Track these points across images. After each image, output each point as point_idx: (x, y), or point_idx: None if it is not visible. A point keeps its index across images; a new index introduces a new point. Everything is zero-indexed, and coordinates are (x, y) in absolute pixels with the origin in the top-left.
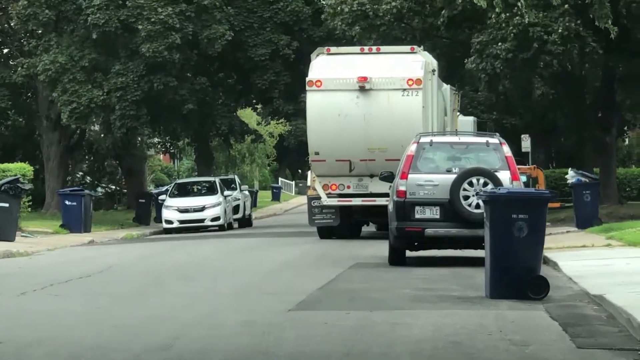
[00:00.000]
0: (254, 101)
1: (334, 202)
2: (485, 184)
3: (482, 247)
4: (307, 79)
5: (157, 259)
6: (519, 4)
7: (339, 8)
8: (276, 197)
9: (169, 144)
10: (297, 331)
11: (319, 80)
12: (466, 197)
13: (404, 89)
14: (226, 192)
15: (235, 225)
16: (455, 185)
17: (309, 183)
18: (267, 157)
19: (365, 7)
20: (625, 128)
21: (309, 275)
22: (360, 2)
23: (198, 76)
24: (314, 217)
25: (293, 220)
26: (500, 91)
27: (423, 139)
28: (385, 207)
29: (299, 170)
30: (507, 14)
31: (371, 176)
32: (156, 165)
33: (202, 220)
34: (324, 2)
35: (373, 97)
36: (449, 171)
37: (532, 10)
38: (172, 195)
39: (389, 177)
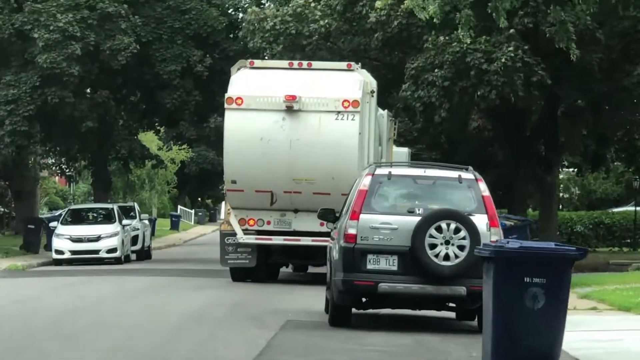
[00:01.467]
0: (157, 124)
1: (252, 240)
2: (457, 230)
3: (447, 309)
4: (226, 96)
5: (36, 304)
6: (457, 20)
7: (257, 25)
8: (175, 226)
9: (64, 165)
10: None
11: (240, 98)
12: (433, 246)
13: (339, 112)
14: (125, 221)
15: (133, 257)
16: (420, 231)
17: (222, 216)
18: (167, 183)
19: (288, 24)
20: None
21: (230, 337)
22: (284, 20)
23: (99, 90)
24: (227, 256)
25: (195, 253)
26: (437, 122)
27: (379, 171)
28: (310, 247)
29: (199, 199)
30: (445, 37)
31: (295, 211)
32: (51, 187)
33: (96, 252)
34: (241, 18)
35: (302, 120)
36: (411, 212)
37: (469, 30)
38: (65, 222)
39: (327, 215)
